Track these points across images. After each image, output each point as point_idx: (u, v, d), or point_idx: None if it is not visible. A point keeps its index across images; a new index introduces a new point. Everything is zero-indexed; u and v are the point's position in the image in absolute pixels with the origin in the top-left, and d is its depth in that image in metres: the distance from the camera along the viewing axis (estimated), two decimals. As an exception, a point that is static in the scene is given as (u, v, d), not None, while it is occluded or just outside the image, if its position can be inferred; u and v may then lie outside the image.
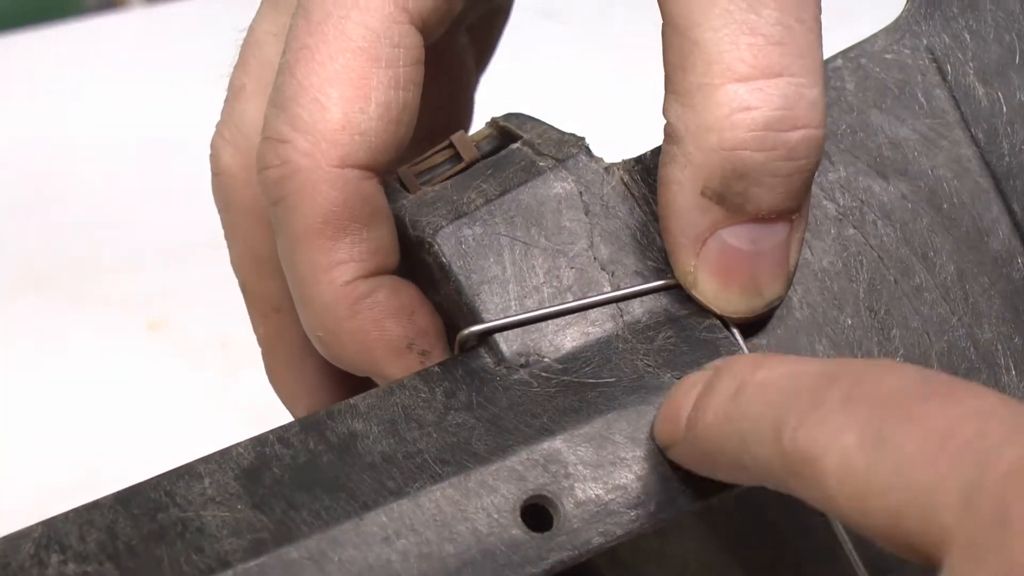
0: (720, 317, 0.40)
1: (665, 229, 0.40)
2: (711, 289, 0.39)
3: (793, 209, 0.39)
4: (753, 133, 0.37)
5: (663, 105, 0.39)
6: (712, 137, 0.37)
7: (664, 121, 0.39)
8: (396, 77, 0.39)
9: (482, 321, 0.40)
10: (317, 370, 0.43)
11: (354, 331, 0.39)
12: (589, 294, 0.41)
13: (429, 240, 0.41)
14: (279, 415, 0.42)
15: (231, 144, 0.43)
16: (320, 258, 0.39)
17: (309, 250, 0.39)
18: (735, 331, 0.41)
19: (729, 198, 0.38)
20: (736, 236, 0.38)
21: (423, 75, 0.40)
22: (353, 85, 0.38)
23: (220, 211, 0.44)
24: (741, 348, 0.41)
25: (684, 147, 0.38)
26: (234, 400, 0.76)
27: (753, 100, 0.37)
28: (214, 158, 0.43)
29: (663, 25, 0.38)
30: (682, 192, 0.38)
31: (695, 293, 0.40)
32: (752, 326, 0.42)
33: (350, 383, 0.43)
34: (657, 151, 0.43)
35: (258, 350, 0.78)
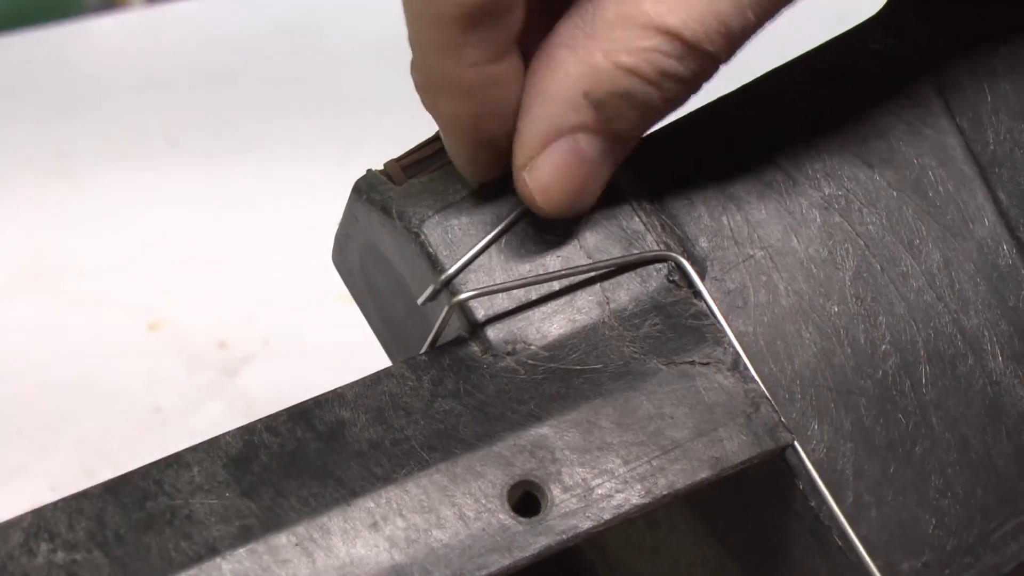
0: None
1: (527, 107, 0.40)
2: (544, 181, 0.40)
3: (636, 140, 0.41)
4: (659, 74, 0.39)
5: None
6: (624, 57, 0.39)
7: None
8: None
9: (471, 310, 0.41)
10: None
11: (452, 110, 0.40)
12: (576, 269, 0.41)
13: (416, 230, 0.41)
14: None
15: None
16: (453, 39, 0.38)
17: (445, 31, 0.38)
18: (721, 318, 0.41)
19: (606, 111, 0.39)
20: (590, 144, 0.40)
21: None
22: None
23: None
24: (727, 335, 0.41)
25: (592, 46, 0.39)
26: (233, 400, 0.76)
27: (679, 54, 0.38)
28: None
29: None
30: (566, 82, 0.39)
31: (524, 176, 0.40)
32: (738, 314, 0.42)
33: None
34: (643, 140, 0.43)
35: (257, 350, 0.79)
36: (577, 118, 0.39)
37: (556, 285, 0.41)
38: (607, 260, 0.41)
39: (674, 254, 0.42)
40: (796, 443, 0.40)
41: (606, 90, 0.39)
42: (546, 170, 0.40)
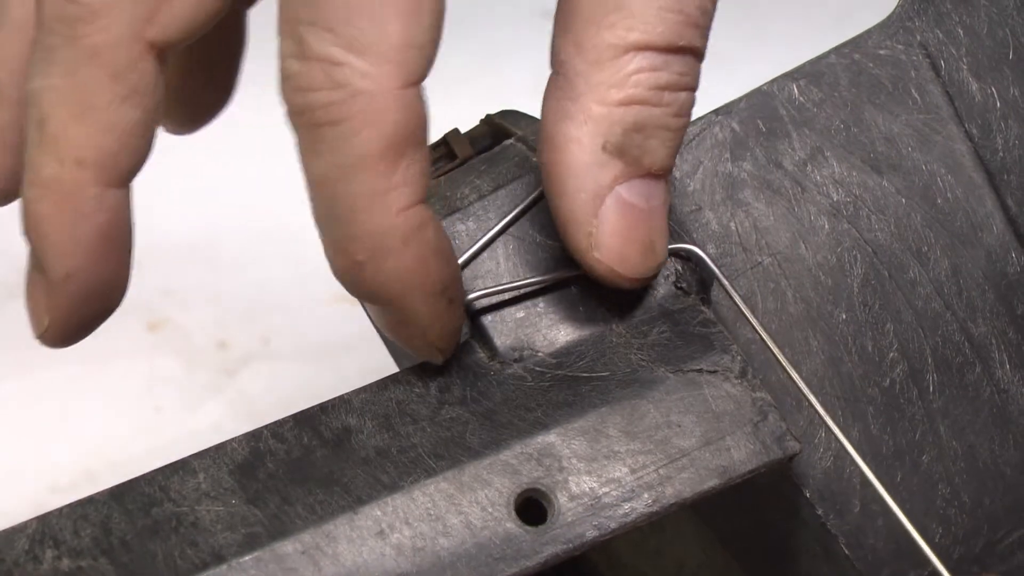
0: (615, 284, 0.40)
1: (559, 192, 0.39)
2: (613, 249, 0.39)
3: (671, 168, 0.39)
4: (653, 91, 0.38)
5: (556, 52, 0.38)
6: (614, 93, 0.38)
7: (555, 72, 0.39)
8: None
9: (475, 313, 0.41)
10: (97, 234, 0.38)
11: (399, 265, 0.37)
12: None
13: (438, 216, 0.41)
14: (277, 415, 0.42)
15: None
16: (378, 183, 0.36)
17: (368, 175, 0.36)
18: (746, 309, 0.41)
19: (629, 151, 0.38)
20: (632, 192, 0.39)
21: None
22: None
23: (52, 39, 0.37)
24: (735, 342, 0.41)
25: (583, 103, 0.38)
26: (232, 400, 0.76)
27: (659, 63, 0.38)
28: None
29: None
30: (582, 149, 0.38)
31: (595, 256, 0.39)
32: (746, 321, 0.42)
33: (119, 256, 0.39)
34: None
35: (257, 350, 0.79)
36: (609, 173, 0.38)
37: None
38: None
39: (693, 247, 0.41)
40: (836, 431, 0.40)
41: (618, 132, 0.38)
42: (611, 237, 0.39)
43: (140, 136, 0.37)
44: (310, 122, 0.36)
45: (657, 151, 0.39)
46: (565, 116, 0.38)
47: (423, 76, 0.36)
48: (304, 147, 0.37)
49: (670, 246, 0.41)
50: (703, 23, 0.38)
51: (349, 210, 0.36)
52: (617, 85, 0.38)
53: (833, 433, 0.41)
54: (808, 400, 0.40)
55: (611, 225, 0.38)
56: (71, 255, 0.37)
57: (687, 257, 0.41)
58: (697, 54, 0.38)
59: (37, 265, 0.38)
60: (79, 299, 0.38)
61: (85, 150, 0.36)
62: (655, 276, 0.40)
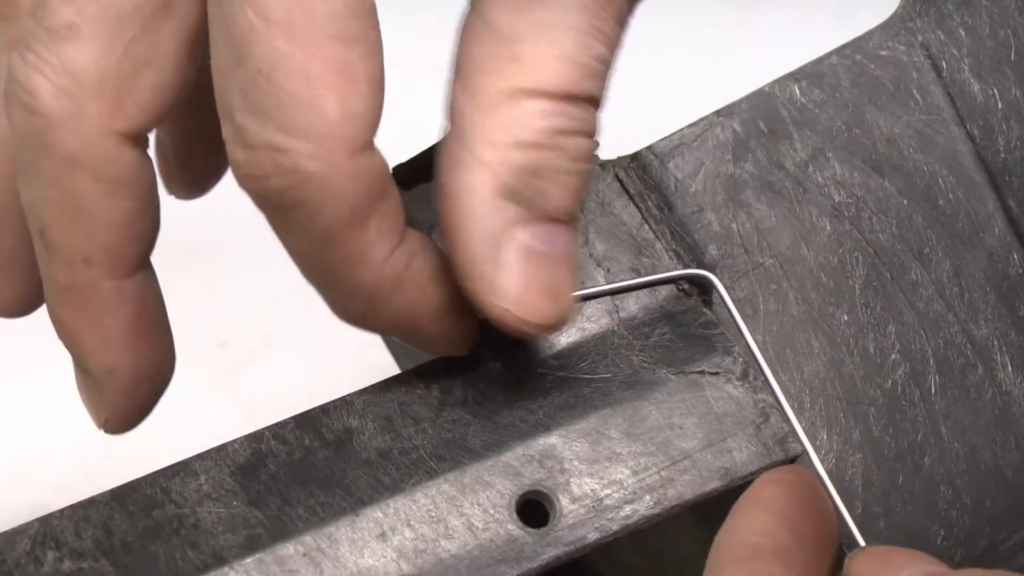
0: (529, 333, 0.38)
1: (454, 240, 0.37)
2: (513, 294, 0.37)
3: (575, 214, 0.38)
4: (548, 135, 0.37)
5: (450, 100, 0.38)
6: (505, 136, 0.37)
7: (448, 121, 0.38)
8: (372, 45, 0.36)
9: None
10: (126, 326, 0.39)
11: (399, 306, 0.37)
12: (586, 285, 0.41)
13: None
14: (277, 415, 0.42)
15: (60, 89, 0.36)
16: (354, 247, 0.36)
17: (341, 245, 0.36)
18: (749, 336, 0.41)
19: (525, 195, 0.37)
20: (535, 237, 0.37)
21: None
22: (339, 73, 0.35)
23: (28, 153, 0.37)
24: (741, 343, 0.41)
25: (476, 149, 0.37)
26: (233, 400, 0.76)
27: (553, 109, 0.37)
28: (28, 93, 0.36)
29: (472, 16, 0.37)
30: (475, 196, 0.37)
31: (492, 300, 0.37)
32: (748, 323, 0.42)
33: (156, 339, 0.41)
34: (651, 148, 0.43)
35: (257, 350, 0.78)
36: (503, 217, 0.37)
37: None
38: (645, 279, 0.41)
39: (707, 273, 0.41)
40: (813, 455, 0.40)
41: (511, 177, 0.37)
42: (511, 282, 0.37)
43: (140, 221, 0.38)
44: (269, 206, 0.36)
45: (556, 196, 0.37)
46: (458, 164, 0.37)
47: (371, 138, 0.35)
48: (272, 225, 0.36)
49: (686, 271, 0.41)
50: (600, 71, 0.37)
51: (333, 275, 0.37)
52: (507, 129, 0.37)
53: (835, 433, 0.41)
54: (787, 412, 0.40)
55: (511, 270, 0.37)
56: (105, 353, 0.39)
57: (696, 282, 0.42)
58: (594, 102, 0.37)
59: (79, 365, 0.39)
60: (128, 390, 0.40)
61: (89, 250, 0.37)
62: (562, 326, 0.38)
